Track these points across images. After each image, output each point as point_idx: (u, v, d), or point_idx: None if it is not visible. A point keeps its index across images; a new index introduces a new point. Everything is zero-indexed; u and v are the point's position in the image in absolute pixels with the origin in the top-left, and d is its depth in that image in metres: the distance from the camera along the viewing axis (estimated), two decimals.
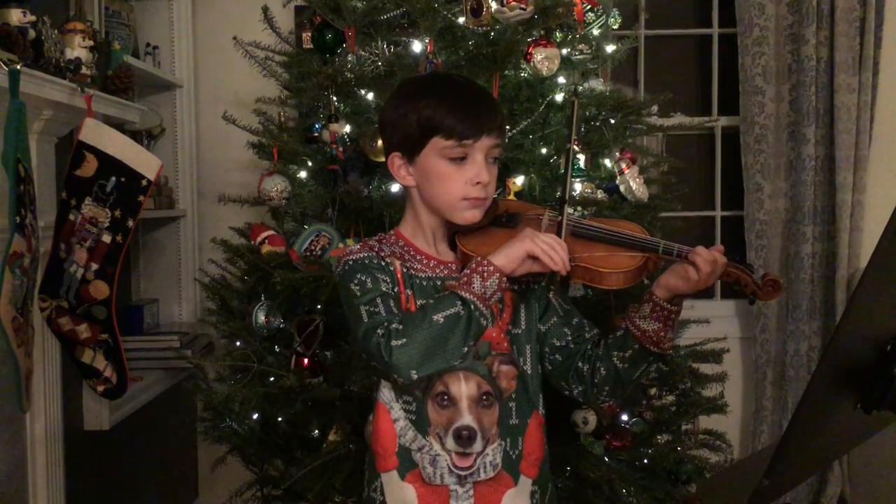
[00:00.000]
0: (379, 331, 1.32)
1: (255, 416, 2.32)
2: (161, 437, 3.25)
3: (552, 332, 1.53)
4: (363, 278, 1.41)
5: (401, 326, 1.32)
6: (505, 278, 1.35)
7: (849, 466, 3.45)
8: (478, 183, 1.43)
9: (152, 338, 3.10)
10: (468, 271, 1.35)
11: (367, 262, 1.44)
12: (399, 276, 1.44)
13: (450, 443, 1.42)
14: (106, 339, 2.35)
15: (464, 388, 1.42)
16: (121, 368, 2.39)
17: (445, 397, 1.42)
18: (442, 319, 1.30)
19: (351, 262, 1.44)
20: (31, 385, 2.13)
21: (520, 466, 1.47)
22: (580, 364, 1.50)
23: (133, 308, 3.17)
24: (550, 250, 1.34)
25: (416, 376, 1.33)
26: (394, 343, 1.30)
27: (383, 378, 1.45)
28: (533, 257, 1.35)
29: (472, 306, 1.31)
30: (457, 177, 1.43)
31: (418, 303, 1.42)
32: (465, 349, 1.33)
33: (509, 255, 1.35)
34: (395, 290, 1.42)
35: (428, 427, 1.43)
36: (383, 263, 1.44)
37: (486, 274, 1.33)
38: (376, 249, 1.47)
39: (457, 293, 1.32)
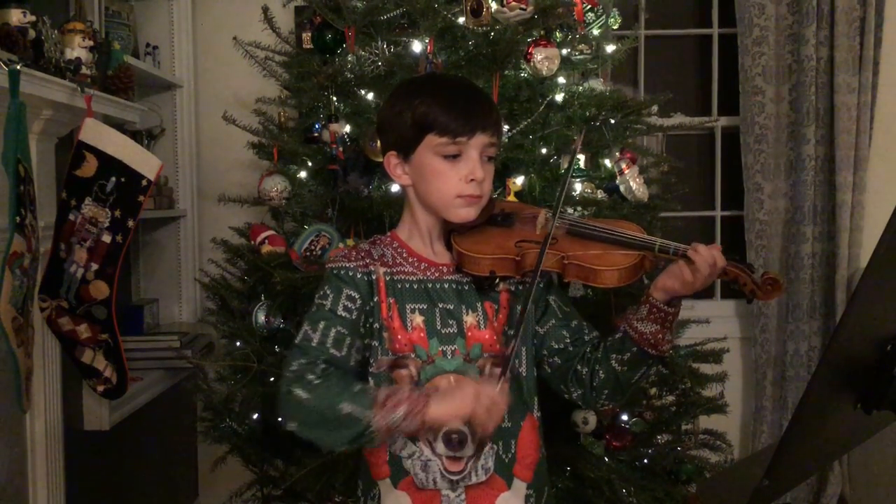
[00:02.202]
0: (295, 365, 1.34)
1: (256, 416, 2.32)
2: (161, 438, 3.25)
3: (551, 335, 1.52)
4: (328, 291, 1.43)
5: (317, 382, 1.32)
6: (424, 430, 1.32)
7: (849, 466, 3.45)
8: (472, 180, 1.42)
9: (152, 338, 3.10)
10: (403, 397, 1.28)
11: (341, 273, 1.44)
12: (381, 285, 1.44)
13: (440, 447, 1.41)
14: (106, 339, 2.35)
15: None
16: (121, 368, 2.39)
17: None
18: (346, 412, 1.27)
19: (328, 271, 1.47)
20: (31, 385, 2.13)
21: (513, 470, 1.46)
22: (579, 367, 1.49)
23: (133, 308, 3.17)
24: (486, 418, 1.29)
25: (294, 431, 1.34)
26: (296, 391, 1.31)
27: (385, 382, 1.44)
28: (471, 416, 1.30)
29: (371, 431, 1.27)
30: (451, 174, 1.43)
31: (406, 307, 1.43)
32: (342, 449, 1.33)
33: (448, 411, 1.29)
34: (375, 300, 1.43)
35: (419, 431, 1.42)
36: (360, 275, 1.44)
37: (413, 413, 1.26)
38: (363, 255, 1.47)
39: (373, 409, 1.26)
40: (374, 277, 1.44)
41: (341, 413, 1.28)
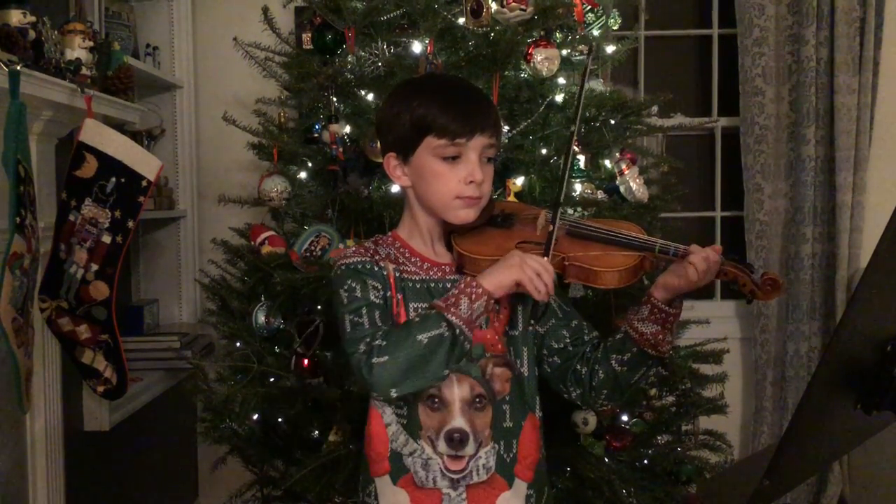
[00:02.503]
0: (361, 346, 1.33)
1: (255, 416, 2.32)
2: (161, 438, 3.25)
3: (551, 335, 1.53)
4: (353, 285, 1.42)
5: (384, 343, 1.31)
6: (492, 301, 1.35)
7: (849, 467, 3.45)
8: (471, 182, 1.43)
9: (152, 338, 3.10)
10: (457, 291, 1.34)
11: (359, 267, 1.44)
12: (391, 280, 1.44)
13: (441, 446, 1.41)
14: (106, 339, 2.35)
15: (456, 390, 1.41)
16: (121, 369, 2.39)
17: (437, 400, 1.41)
18: (426, 340, 1.30)
19: (343, 267, 1.45)
20: (31, 386, 2.13)
21: (514, 470, 1.46)
22: (578, 367, 1.50)
23: (133, 309, 3.18)
24: (537, 279, 1.34)
25: (394, 394, 1.34)
26: (375, 360, 1.30)
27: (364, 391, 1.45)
28: (519, 284, 1.35)
29: (458, 331, 1.31)
30: (450, 175, 1.43)
31: (410, 306, 1.43)
32: (446, 372, 1.34)
33: (499, 280, 1.35)
34: (388, 294, 1.43)
35: (419, 430, 1.42)
36: (376, 268, 1.44)
37: (474, 296, 1.33)
38: (371, 252, 1.47)
39: (443, 314, 1.32)
40: (385, 273, 1.45)
41: (422, 344, 1.30)
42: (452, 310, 1.32)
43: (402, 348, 1.30)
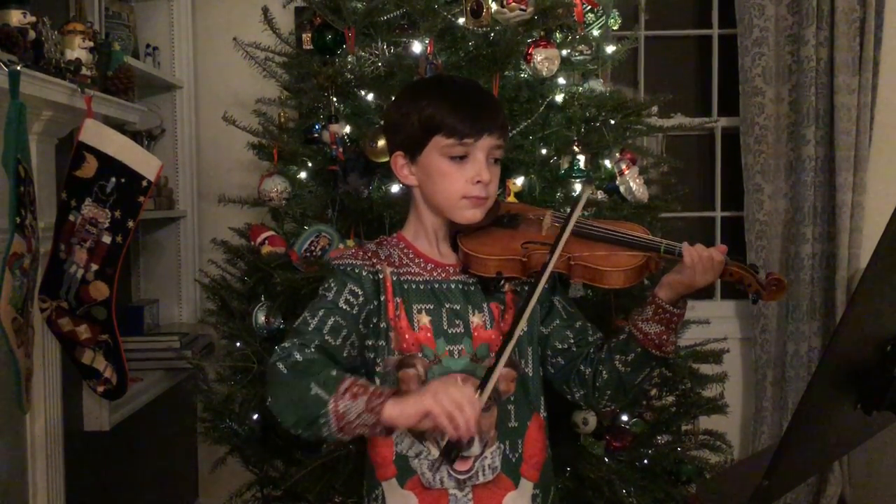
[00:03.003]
0: (287, 343, 1.33)
1: (256, 416, 2.32)
2: (161, 438, 3.25)
3: (554, 335, 1.53)
4: (332, 284, 1.43)
5: (299, 360, 1.30)
6: (379, 427, 1.23)
7: (849, 467, 3.45)
8: (478, 182, 1.43)
9: (152, 338, 3.10)
10: (371, 389, 1.24)
11: (347, 269, 1.45)
12: (388, 284, 1.44)
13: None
14: (106, 339, 2.35)
15: None
16: (121, 369, 2.39)
17: None
18: (311, 394, 1.25)
19: (333, 265, 1.48)
20: (31, 386, 2.13)
21: (520, 470, 1.46)
22: (582, 367, 1.50)
23: (133, 309, 3.17)
24: (455, 413, 1.19)
25: (267, 403, 1.33)
26: (280, 366, 1.30)
27: (389, 382, 1.44)
28: (430, 413, 1.22)
29: (329, 415, 1.23)
30: (457, 175, 1.43)
31: (413, 307, 1.43)
32: (300, 433, 1.29)
33: (405, 409, 1.21)
34: (382, 298, 1.43)
35: (424, 432, 1.42)
36: (365, 273, 1.44)
37: (370, 407, 1.22)
38: (371, 254, 1.47)
39: (335, 395, 1.23)
40: (380, 277, 1.45)
41: (309, 394, 1.25)
42: (345, 398, 1.23)
43: (299, 380, 1.27)
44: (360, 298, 1.42)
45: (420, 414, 1.21)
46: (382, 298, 1.44)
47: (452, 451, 1.27)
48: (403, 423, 1.23)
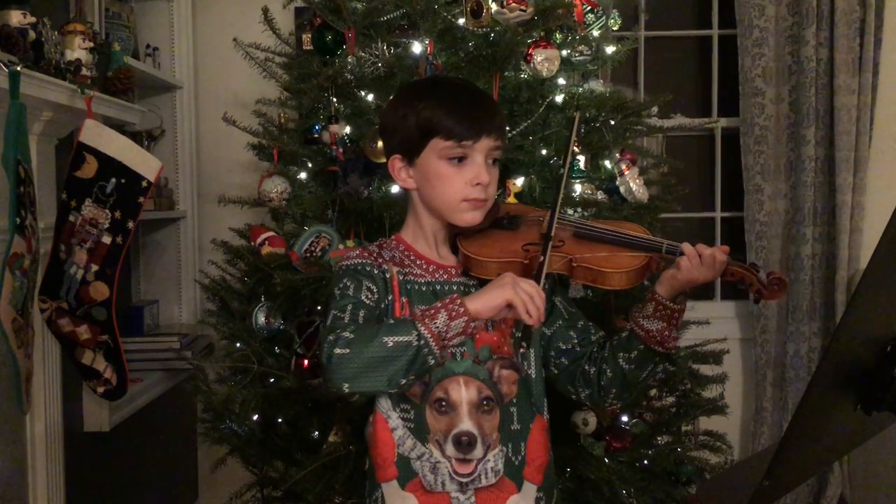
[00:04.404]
0: (331, 336, 1.30)
1: (256, 417, 2.32)
2: (161, 439, 3.25)
3: (557, 336, 1.53)
4: (347, 283, 1.41)
5: (351, 336, 1.28)
6: (473, 323, 1.29)
7: (849, 467, 3.45)
8: (477, 184, 1.43)
9: (152, 339, 3.10)
10: (439, 304, 1.30)
11: (358, 268, 1.44)
12: (395, 283, 1.43)
13: (450, 449, 1.41)
14: (106, 340, 2.35)
15: (464, 393, 1.41)
16: (121, 370, 2.39)
17: (444, 403, 1.41)
18: (391, 344, 1.26)
19: (344, 267, 1.45)
20: (31, 386, 2.13)
21: (523, 472, 1.46)
22: (586, 367, 1.50)
23: (133, 309, 3.18)
24: (529, 302, 1.29)
25: (346, 390, 1.29)
26: (337, 350, 1.27)
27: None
28: (510, 305, 1.30)
29: (424, 342, 1.26)
30: (456, 178, 1.43)
31: (417, 308, 1.41)
32: (404, 381, 1.29)
33: (487, 302, 1.30)
34: (389, 298, 1.42)
35: (427, 434, 1.42)
36: (376, 271, 1.44)
37: (454, 314, 1.28)
38: (375, 255, 1.47)
39: (415, 324, 1.27)
40: (387, 276, 1.44)
41: (387, 346, 1.26)
42: (427, 321, 1.27)
43: (366, 345, 1.26)
44: (376, 295, 1.42)
45: (502, 304, 1.30)
46: (390, 298, 1.43)
47: (526, 337, 1.39)
48: (487, 314, 1.31)
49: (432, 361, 1.28)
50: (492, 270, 1.43)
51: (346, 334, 1.28)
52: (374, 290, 1.41)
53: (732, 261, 1.40)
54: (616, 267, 1.42)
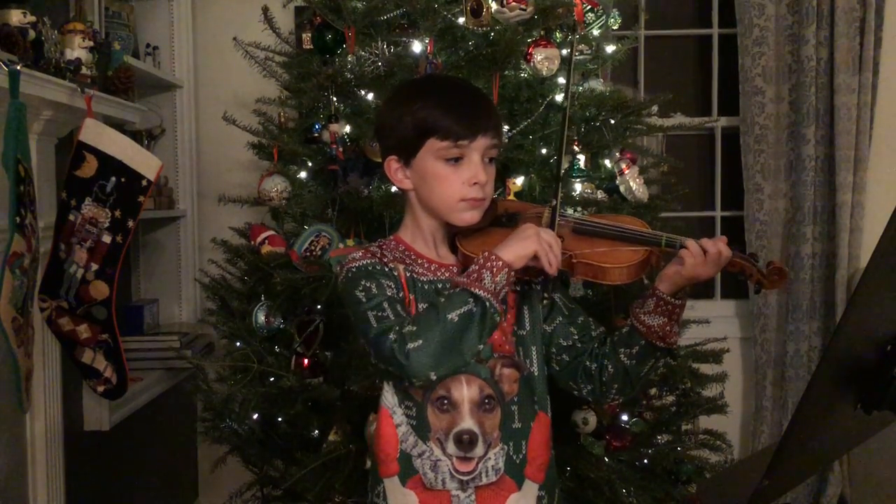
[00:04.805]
0: (391, 335, 1.30)
1: (255, 416, 2.32)
2: (161, 438, 3.25)
3: (558, 332, 1.53)
4: (368, 284, 1.39)
5: (414, 328, 1.29)
6: (512, 273, 1.34)
7: (849, 466, 3.45)
8: (475, 183, 1.42)
9: (152, 338, 3.10)
10: (476, 266, 1.33)
11: (370, 268, 1.42)
12: (403, 280, 1.43)
13: (450, 447, 1.41)
14: (106, 339, 2.35)
15: (465, 391, 1.41)
16: (121, 369, 2.39)
17: (446, 401, 1.41)
18: (456, 318, 1.29)
19: (354, 269, 1.42)
20: (31, 385, 2.13)
21: (524, 471, 1.46)
22: (588, 363, 1.50)
23: (133, 308, 3.17)
24: (550, 251, 1.35)
25: (434, 377, 1.31)
26: (409, 346, 1.28)
27: (397, 381, 1.42)
28: (536, 256, 1.35)
29: (487, 303, 1.30)
30: (453, 178, 1.43)
31: (420, 306, 1.41)
32: (481, 346, 1.33)
33: (517, 251, 1.34)
34: (401, 294, 1.42)
35: (428, 432, 1.42)
36: (387, 269, 1.43)
37: (495, 269, 1.32)
38: (378, 255, 1.46)
39: (468, 289, 1.31)
40: (395, 274, 1.43)
41: (454, 322, 1.29)
42: (477, 284, 1.31)
43: (435, 329, 1.28)
44: (394, 289, 1.41)
45: (530, 254, 1.35)
46: (401, 294, 1.42)
47: (546, 286, 1.49)
48: (519, 264, 1.35)
49: (498, 318, 1.33)
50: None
51: (409, 328, 1.30)
52: (393, 286, 1.41)
53: (733, 251, 1.39)
54: (616, 262, 1.42)
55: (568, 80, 1.72)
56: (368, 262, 1.43)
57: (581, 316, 1.55)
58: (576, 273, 1.44)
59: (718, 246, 1.38)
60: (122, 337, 2.39)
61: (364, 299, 1.38)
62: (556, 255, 1.36)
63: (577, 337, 1.52)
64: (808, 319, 3.45)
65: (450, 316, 1.29)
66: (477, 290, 1.30)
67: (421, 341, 1.28)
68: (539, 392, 1.50)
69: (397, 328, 1.31)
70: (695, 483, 2.32)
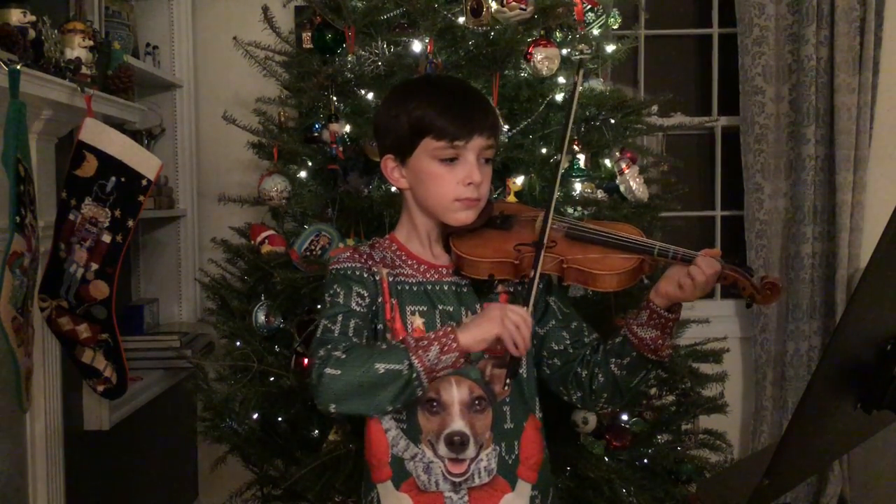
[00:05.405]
0: (321, 351, 1.31)
1: (255, 416, 2.32)
2: (161, 438, 3.25)
3: (550, 336, 1.52)
4: (338, 290, 1.42)
5: (343, 356, 1.29)
6: (462, 358, 1.31)
7: (849, 466, 3.45)
8: (469, 183, 1.42)
9: (152, 338, 3.10)
10: (432, 336, 1.31)
11: (348, 272, 1.44)
12: (385, 285, 1.44)
13: (442, 449, 1.41)
14: (106, 338, 2.35)
15: (455, 392, 1.41)
16: (121, 368, 2.39)
17: (436, 403, 1.41)
18: (382, 371, 1.28)
19: (334, 271, 1.46)
20: (31, 385, 2.13)
21: (517, 471, 1.46)
22: (579, 370, 1.49)
23: (133, 308, 3.18)
24: (516, 333, 1.31)
25: (332, 410, 1.31)
26: (327, 370, 1.28)
27: None
28: (499, 337, 1.32)
29: (415, 374, 1.28)
30: (448, 177, 1.43)
31: (407, 309, 1.41)
32: (389, 409, 1.32)
33: (477, 335, 1.31)
34: (380, 300, 1.43)
35: (419, 434, 1.42)
36: (366, 275, 1.44)
37: (446, 348, 1.29)
38: (365, 257, 1.47)
39: (408, 353, 1.29)
40: (377, 278, 1.44)
41: (378, 373, 1.28)
42: (420, 353, 1.29)
43: (358, 369, 1.28)
44: (367, 300, 1.42)
45: (491, 338, 1.32)
46: (380, 300, 1.43)
47: (514, 367, 1.41)
48: (477, 348, 1.33)
49: (420, 392, 1.31)
50: (483, 271, 1.43)
51: (338, 354, 1.30)
52: (365, 295, 1.42)
53: (726, 264, 1.38)
54: (607, 269, 1.41)
55: (571, 106, 1.72)
56: (349, 266, 1.45)
57: (575, 321, 1.54)
58: (566, 278, 1.43)
59: (710, 261, 1.35)
60: (122, 336, 2.39)
61: (328, 305, 1.42)
62: (525, 337, 1.31)
63: (569, 342, 1.52)
64: (808, 319, 3.45)
65: (377, 365, 1.28)
66: (415, 359, 1.29)
67: (339, 372, 1.28)
68: (529, 394, 1.50)
69: (329, 347, 1.32)
70: (695, 483, 2.32)
